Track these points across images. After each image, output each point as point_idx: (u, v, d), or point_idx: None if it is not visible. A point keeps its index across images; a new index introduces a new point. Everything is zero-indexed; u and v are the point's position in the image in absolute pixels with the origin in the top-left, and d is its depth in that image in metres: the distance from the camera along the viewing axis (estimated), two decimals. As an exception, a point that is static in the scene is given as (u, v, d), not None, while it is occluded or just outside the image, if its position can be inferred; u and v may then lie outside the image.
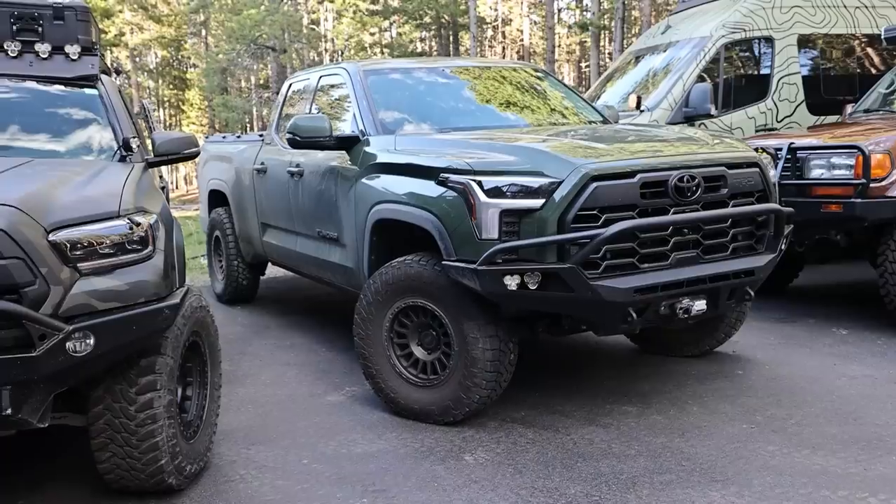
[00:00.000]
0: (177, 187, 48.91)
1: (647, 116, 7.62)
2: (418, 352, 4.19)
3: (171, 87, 51.01)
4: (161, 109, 51.54)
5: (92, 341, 2.73)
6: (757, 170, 4.11)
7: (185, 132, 4.58)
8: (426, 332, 4.14)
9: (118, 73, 6.16)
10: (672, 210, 3.80)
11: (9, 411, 2.64)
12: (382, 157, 4.50)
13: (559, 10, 33.41)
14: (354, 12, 27.13)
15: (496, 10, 37.42)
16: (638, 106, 7.75)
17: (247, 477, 3.57)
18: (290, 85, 6.41)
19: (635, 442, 3.79)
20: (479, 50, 30.34)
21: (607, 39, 30.68)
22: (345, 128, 5.05)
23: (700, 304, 3.89)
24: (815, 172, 5.47)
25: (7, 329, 2.59)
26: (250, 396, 4.72)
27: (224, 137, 8.10)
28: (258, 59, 19.53)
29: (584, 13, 25.41)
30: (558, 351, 5.44)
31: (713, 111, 7.53)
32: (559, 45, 35.16)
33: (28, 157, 3.73)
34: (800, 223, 5.31)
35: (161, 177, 5.81)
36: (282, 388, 4.87)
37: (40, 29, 4.48)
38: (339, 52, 31.25)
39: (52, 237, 2.73)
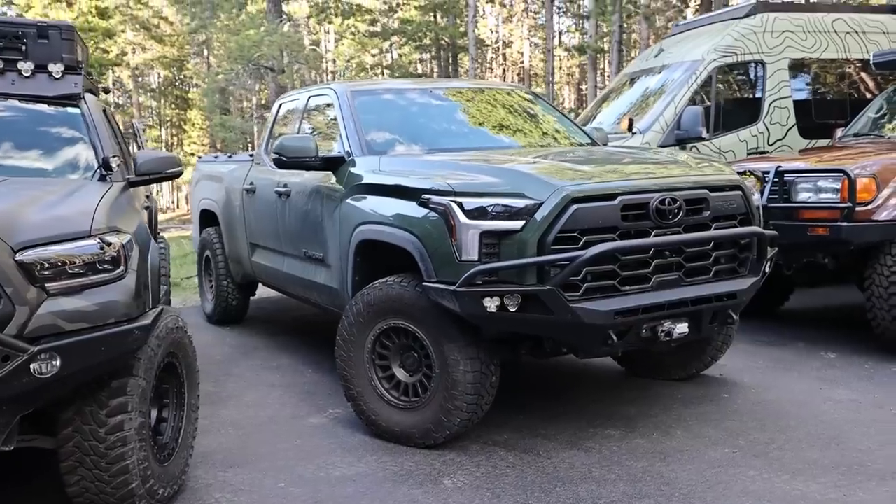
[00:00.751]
0: (178, 206, 49.01)
1: (639, 139, 7.62)
2: (400, 374, 4.15)
3: (173, 106, 51.22)
4: (163, 129, 51.76)
5: (58, 363, 2.70)
6: (739, 192, 4.10)
7: (167, 152, 4.58)
8: (408, 354, 4.11)
9: (106, 91, 6.17)
10: (653, 232, 3.78)
11: (-28, 430, 2.61)
12: (367, 178, 4.49)
13: (560, 33, 33.63)
14: (353, 34, 27.28)
15: (497, 32, 37.67)
16: (630, 128, 7.76)
17: (221, 501, 3.53)
18: (281, 105, 6.42)
19: (616, 466, 3.74)
20: (478, 72, 30.55)
21: (606, 62, 30.87)
22: (334, 148, 5.05)
23: (682, 327, 3.86)
24: (802, 196, 5.46)
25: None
26: (232, 418, 4.68)
27: (216, 157, 8.10)
28: (258, 80, 19.67)
29: (583, 36, 25.54)
30: (544, 373, 5.40)
31: (704, 134, 7.54)
32: (560, 68, 35.37)
33: (5, 175, 3.73)
34: (787, 246, 5.34)
35: (148, 196, 5.82)
36: (264, 410, 4.82)
37: (24, 48, 4.50)
38: (341, 73, 31.41)
39: (18, 257, 2.71)
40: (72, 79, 4.43)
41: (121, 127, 6.23)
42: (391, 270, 4.21)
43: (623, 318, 3.66)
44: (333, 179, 4.85)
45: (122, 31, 39.27)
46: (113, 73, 41.24)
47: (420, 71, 32.23)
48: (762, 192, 5.59)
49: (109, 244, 2.94)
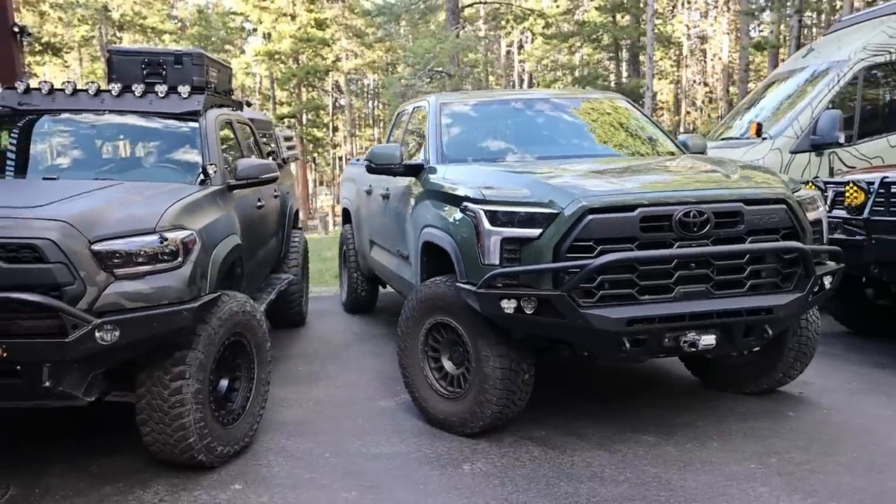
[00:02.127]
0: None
1: (769, 144, 7.37)
2: (448, 366, 4.52)
3: (384, 107, 54.44)
4: (376, 128, 54.98)
5: (118, 333, 3.37)
6: (784, 206, 4.02)
7: (263, 160, 5.23)
8: (455, 348, 4.46)
9: (248, 105, 7.04)
10: (676, 244, 3.85)
11: (48, 384, 3.34)
12: (434, 185, 4.88)
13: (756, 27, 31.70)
14: (532, 38, 27.47)
15: (695, 27, 36.17)
16: (758, 133, 7.50)
17: (273, 463, 4.09)
18: (398, 113, 6.97)
19: (630, 469, 3.87)
20: (664, 69, 29.58)
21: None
22: (420, 156, 5.50)
23: (708, 339, 3.89)
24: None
25: (48, 319, 3.28)
26: (317, 396, 5.27)
27: (358, 160, 8.84)
28: (433, 84, 20.65)
29: (764, 31, 24.02)
30: (614, 378, 5.50)
31: (841, 139, 7.14)
32: (753, 63, 33.35)
33: (127, 179, 4.54)
34: (890, 263, 5.06)
35: (276, 195, 6.56)
36: (348, 392, 5.36)
37: (164, 72, 5.36)
38: (529, 75, 31.82)
39: (94, 247, 3.41)
40: (196, 98, 5.19)
41: (264, 135, 7.08)
42: (448, 270, 4.57)
43: (636, 326, 3.78)
44: (417, 184, 5.29)
45: (338, 39, 42.29)
46: (330, 77, 44.51)
47: (608, 69, 31.70)
48: (864, 206, 5.31)
49: (169, 240, 3.58)
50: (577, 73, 28.69)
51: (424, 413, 4.60)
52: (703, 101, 41.14)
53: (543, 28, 28.15)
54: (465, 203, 4.17)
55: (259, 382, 4.39)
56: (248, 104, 7.15)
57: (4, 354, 3.24)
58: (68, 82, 5.17)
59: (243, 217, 5.04)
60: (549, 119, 5.70)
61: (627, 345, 3.82)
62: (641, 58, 23.82)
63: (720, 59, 36.64)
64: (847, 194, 5.56)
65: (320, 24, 38.38)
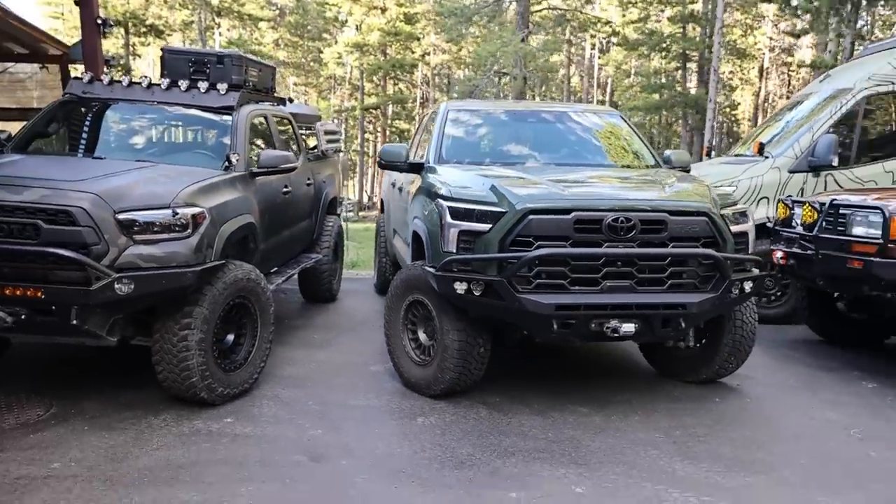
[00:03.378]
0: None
1: (769, 163, 7.83)
2: (423, 338, 5.28)
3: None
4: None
5: (133, 286, 4.26)
6: (705, 219, 4.63)
7: (284, 152, 6.06)
8: (429, 323, 5.22)
9: (290, 101, 7.93)
10: (606, 244, 4.51)
11: (75, 322, 4.27)
12: (427, 182, 5.63)
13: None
14: (607, 44, 27.82)
15: (780, 39, 35.59)
16: (760, 152, 7.98)
17: (263, 406, 4.94)
18: (427, 115, 7.73)
19: (553, 430, 4.56)
20: (731, 80, 29.31)
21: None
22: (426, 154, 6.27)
23: (628, 327, 4.54)
24: (849, 229, 5.59)
25: (77, 271, 4.19)
26: (321, 359, 6.11)
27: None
28: (498, 86, 21.38)
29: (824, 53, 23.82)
30: (587, 363, 6.16)
31: (835, 162, 7.56)
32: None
33: (166, 162, 5.45)
34: (833, 277, 5.59)
35: (309, 183, 7.41)
36: (349, 357, 6.18)
37: (207, 71, 6.27)
38: (607, 79, 32.09)
39: (118, 216, 4.30)
40: (232, 94, 6.08)
41: (300, 127, 7.94)
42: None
43: (563, 311, 4.46)
44: (418, 181, 6.05)
45: (427, 34, 43.17)
46: (419, 70, 45.49)
47: (669, 81, 31.57)
48: (815, 225, 5.83)
49: (180, 214, 4.45)
50: (650, 81, 28.90)
51: (401, 376, 5.38)
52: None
53: (609, 36, 28.48)
54: (438, 199, 4.92)
55: (261, 339, 5.24)
56: (291, 100, 8.03)
57: (42, 296, 4.17)
58: (125, 76, 6.13)
59: (266, 200, 5.91)
60: (542, 130, 6.39)
61: (555, 326, 4.51)
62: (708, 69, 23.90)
63: (800, 73, 36.03)
64: (803, 213, 6.06)
65: (409, 19, 39.34)
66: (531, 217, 4.49)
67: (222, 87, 6.08)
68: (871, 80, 7.87)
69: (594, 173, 5.57)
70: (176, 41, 45.14)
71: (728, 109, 38.39)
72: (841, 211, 5.68)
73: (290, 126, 7.35)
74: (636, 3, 26.61)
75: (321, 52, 45.79)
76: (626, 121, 6.68)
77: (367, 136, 47.10)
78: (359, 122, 43.36)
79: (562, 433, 4.54)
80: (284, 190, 6.51)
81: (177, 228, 4.47)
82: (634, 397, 5.23)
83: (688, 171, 6.37)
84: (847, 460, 4.25)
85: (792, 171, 7.73)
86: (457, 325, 4.88)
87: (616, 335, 4.56)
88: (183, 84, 6.09)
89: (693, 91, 24.96)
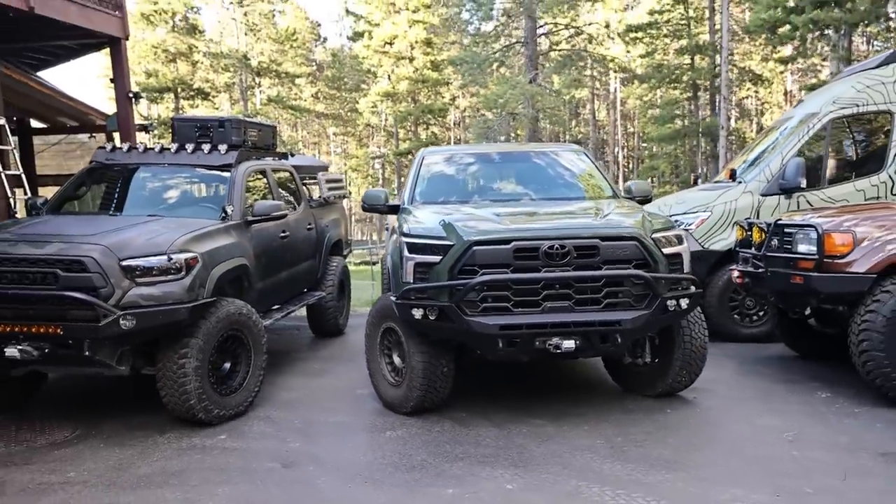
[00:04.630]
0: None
1: (742, 188, 8.28)
2: (397, 361, 5.87)
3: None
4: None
5: (134, 322, 4.98)
6: (635, 243, 5.17)
7: (274, 201, 6.78)
8: (401, 348, 5.81)
9: (292, 154, 8.71)
10: (544, 269, 5.08)
11: (88, 353, 5.00)
12: (399, 221, 6.27)
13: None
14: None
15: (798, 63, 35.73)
16: (732, 178, 8.44)
17: (254, 425, 5.58)
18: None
19: (505, 440, 5.09)
20: (746, 106, 29.29)
21: None
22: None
23: (569, 343, 5.05)
24: (796, 247, 6.01)
25: (88, 310, 4.93)
26: (316, 385, 6.75)
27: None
28: (510, 125, 22.16)
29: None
30: (552, 379, 6.67)
31: (803, 184, 7.96)
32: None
33: (174, 215, 6.22)
34: (780, 293, 6.04)
35: (310, 228, 8.14)
36: (341, 383, 6.79)
37: (211, 134, 7.08)
38: (632, 111, 32.71)
39: (122, 263, 5.05)
40: (231, 154, 6.86)
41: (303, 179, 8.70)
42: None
43: (507, 332, 5.02)
44: (395, 221, 6.71)
45: (456, 79, 44.50)
46: (451, 115, 46.76)
47: (681, 110, 31.87)
48: (763, 245, 6.28)
49: (174, 259, 5.18)
50: (664, 112, 29.41)
51: (379, 397, 5.98)
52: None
53: (616, 72, 29.19)
54: (401, 237, 5.56)
55: (255, 367, 5.91)
56: (292, 154, 8.82)
57: (61, 332, 4.92)
58: (141, 143, 6.98)
59: (261, 244, 6.63)
60: (506, 170, 7.04)
61: (501, 345, 5.07)
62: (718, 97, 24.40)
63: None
64: (753, 234, 6.52)
65: (436, 66, 40.65)
66: (475, 248, 5.08)
67: (222, 147, 6.87)
68: (836, 104, 8.28)
69: (543, 207, 6.15)
70: (221, 102, 47.35)
71: (752, 134, 38.52)
72: (785, 230, 6.12)
73: (290, 177, 8.11)
74: (643, 38, 27.30)
75: (357, 102, 47.44)
76: (588, 157, 7.26)
77: (402, 179, 48.34)
78: (395, 167, 44.60)
79: (512, 441, 5.06)
80: (282, 235, 7.23)
81: (172, 272, 5.19)
82: (590, 410, 5.71)
83: (648, 201, 6.90)
84: (769, 459, 4.67)
85: (764, 195, 8.15)
86: (420, 347, 5.47)
87: (558, 351, 5.08)
88: (189, 147, 6.90)
89: (707, 119, 25.33)
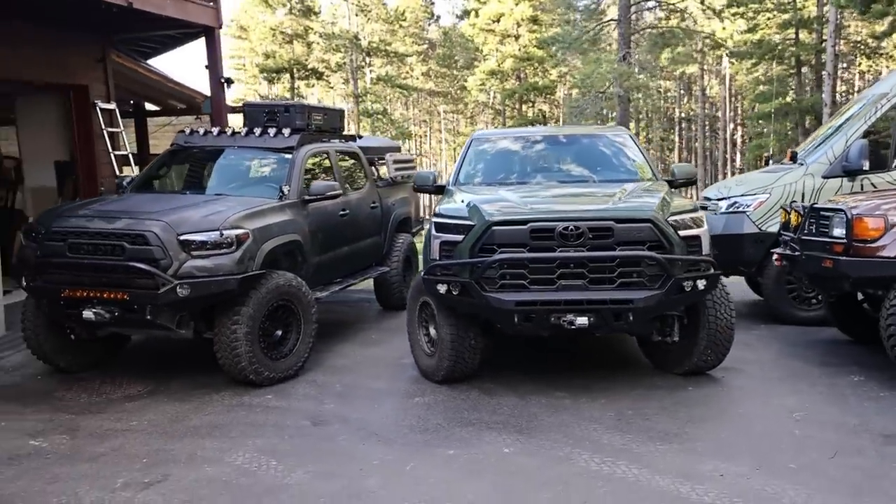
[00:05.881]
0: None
1: (802, 169, 8.16)
2: (432, 332, 6.27)
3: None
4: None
5: (189, 290, 5.59)
6: (649, 225, 5.34)
7: (330, 182, 7.28)
8: (435, 320, 6.21)
9: (360, 137, 9.21)
10: (559, 249, 5.34)
11: (149, 317, 5.66)
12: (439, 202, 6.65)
13: None
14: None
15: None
16: (793, 159, 8.31)
17: (299, 387, 6.13)
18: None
19: (521, 409, 5.41)
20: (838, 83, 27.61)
21: None
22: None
23: (582, 320, 5.30)
24: (832, 231, 5.99)
25: (149, 279, 5.58)
26: (366, 353, 7.24)
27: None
28: (599, 104, 21.95)
29: None
30: (595, 358, 6.90)
31: (866, 166, 7.77)
32: None
33: (239, 194, 6.83)
34: (814, 276, 6.07)
35: (374, 206, 8.63)
36: (389, 353, 7.24)
37: (277, 119, 7.66)
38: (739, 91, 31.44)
39: (180, 238, 5.66)
40: (294, 137, 7.41)
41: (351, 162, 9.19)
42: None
43: (523, 307, 5.32)
44: (442, 201, 7.08)
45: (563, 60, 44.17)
46: (554, 94, 46.52)
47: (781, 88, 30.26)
48: (798, 228, 6.27)
49: (224, 235, 5.75)
50: (762, 90, 28.16)
51: (417, 366, 6.40)
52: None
53: (712, 49, 28.08)
54: (433, 217, 5.94)
55: (305, 335, 6.46)
56: (360, 136, 9.32)
57: (127, 298, 5.60)
58: (216, 126, 7.63)
59: (318, 222, 7.15)
60: (548, 153, 7.25)
61: (517, 320, 5.38)
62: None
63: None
64: (792, 217, 6.49)
65: (542, 44, 40.48)
66: (494, 228, 5.40)
67: (286, 131, 7.43)
68: (906, 85, 8.00)
69: (572, 189, 6.36)
70: (336, 82, 48.87)
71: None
72: (821, 214, 6.10)
73: (356, 158, 8.60)
74: (743, 14, 26.14)
75: (466, 80, 47.84)
76: (632, 139, 7.38)
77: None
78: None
79: (526, 411, 5.38)
80: (342, 213, 7.74)
81: (224, 246, 5.77)
82: (613, 385, 5.93)
83: (692, 183, 6.99)
84: (768, 436, 4.80)
85: (826, 177, 8.00)
86: (449, 320, 5.85)
87: (572, 327, 5.34)
88: (257, 131, 7.50)
89: (811, 96, 24.13)
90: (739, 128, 44.50)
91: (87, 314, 5.74)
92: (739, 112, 41.95)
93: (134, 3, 9.47)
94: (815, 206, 6.20)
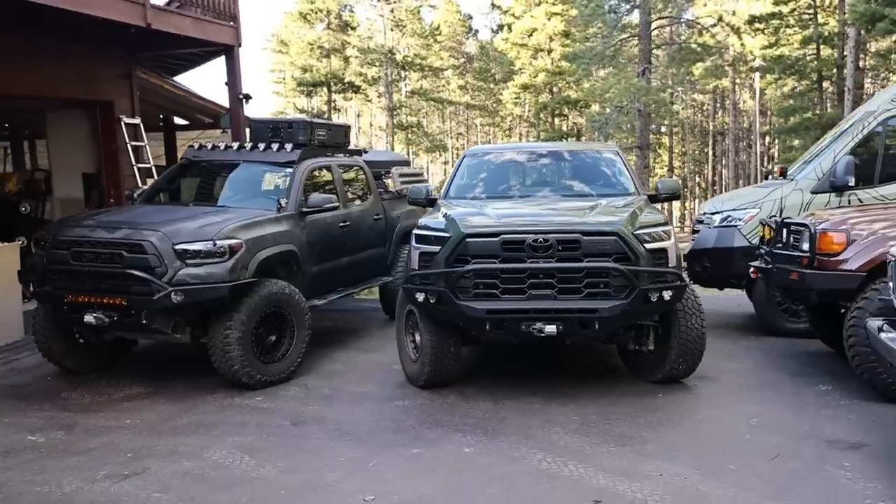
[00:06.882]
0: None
1: (792, 185, 8.30)
2: (417, 339, 6.56)
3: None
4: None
5: (182, 297, 5.96)
6: (615, 238, 5.57)
7: (327, 195, 7.61)
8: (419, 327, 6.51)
9: (366, 151, 9.57)
10: (529, 260, 5.60)
11: (145, 322, 6.04)
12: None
13: None
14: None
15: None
16: (783, 175, 8.46)
17: (289, 390, 6.46)
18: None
19: (492, 412, 5.66)
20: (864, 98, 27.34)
21: None
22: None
23: (551, 328, 5.56)
24: (799, 244, 6.16)
25: (145, 285, 5.95)
26: (360, 359, 7.54)
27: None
28: (619, 119, 22.07)
29: None
30: (576, 367, 7.12)
31: (851, 182, 7.89)
32: None
33: (240, 205, 7.22)
34: (783, 287, 6.26)
35: (377, 218, 8.96)
36: (382, 359, 7.51)
37: (281, 134, 8.05)
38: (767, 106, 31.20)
39: (175, 247, 6.04)
40: (296, 151, 7.78)
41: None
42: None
43: (493, 315, 5.59)
44: (434, 213, 7.38)
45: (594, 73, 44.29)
46: (576, 110, 46.67)
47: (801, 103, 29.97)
48: (771, 241, 6.44)
49: (217, 244, 6.12)
50: (789, 104, 28.01)
51: (404, 371, 6.69)
52: None
53: (737, 63, 27.98)
54: (414, 229, 6.25)
55: (298, 340, 6.79)
56: (366, 151, 9.68)
57: (125, 303, 6.00)
58: (222, 142, 8.04)
59: (316, 233, 7.49)
60: (534, 168, 7.52)
61: (489, 327, 5.65)
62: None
63: None
64: (764, 231, 6.67)
65: (567, 59, 40.66)
66: (468, 240, 5.69)
67: (289, 146, 7.80)
68: (893, 102, 8.10)
69: (550, 204, 6.61)
70: (372, 95, 49.58)
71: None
72: (792, 228, 6.28)
73: (360, 172, 8.95)
74: (764, 29, 26.04)
75: (501, 93, 48.23)
76: (620, 156, 7.61)
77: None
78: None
79: (497, 415, 5.63)
80: (342, 224, 8.07)
81: (217, 255, 6.13)
82: (587, 392, 6.15)
83: (676, 197, 7.20)
84: (715, 439, 5.01)
85: (814, 192, 8.12)
86: (430, 328, 6.13)
87: (542, 334, 5.60)
88: (261, 146, 7.89)
89: (830, 112, 23.94)
90: (774, 142, 44.18)
91: (88, 318, 6.14)
92: (770, 126, 41.72)
93: (153, 24, 9.98)
94: (786, 220, 6.38)
